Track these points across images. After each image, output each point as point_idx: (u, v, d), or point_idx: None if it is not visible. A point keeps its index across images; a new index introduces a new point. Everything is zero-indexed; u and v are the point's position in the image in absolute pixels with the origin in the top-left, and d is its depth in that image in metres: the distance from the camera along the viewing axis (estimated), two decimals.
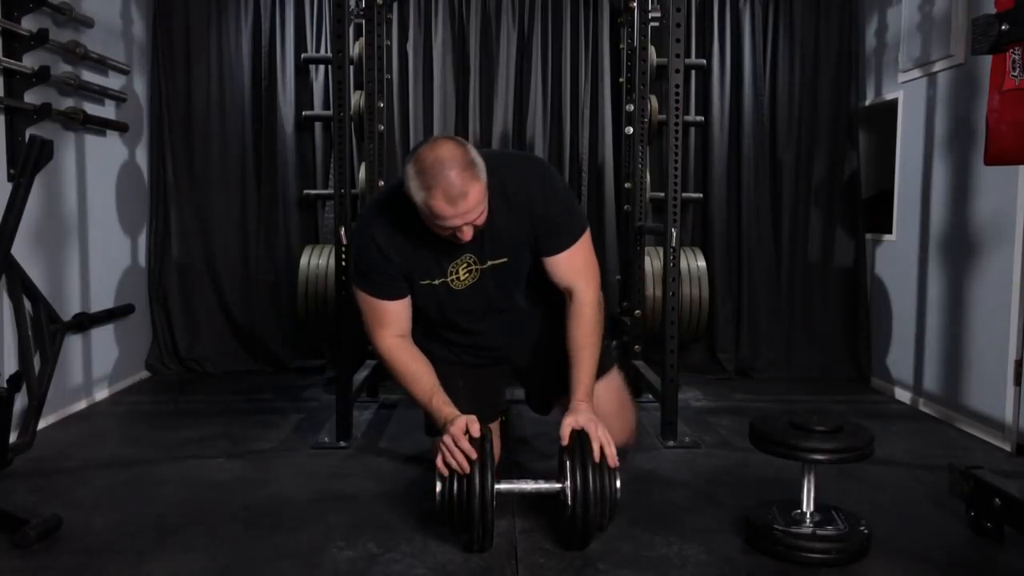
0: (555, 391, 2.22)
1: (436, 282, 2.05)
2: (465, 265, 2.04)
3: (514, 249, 2.05)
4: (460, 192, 1.78)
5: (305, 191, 3.98)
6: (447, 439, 1.87)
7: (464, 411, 2.04)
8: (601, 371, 2.16)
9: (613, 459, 1.86)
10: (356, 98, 3.52)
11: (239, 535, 2.02)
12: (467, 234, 1.86)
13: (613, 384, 2.22)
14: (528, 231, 2.03)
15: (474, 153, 1.84)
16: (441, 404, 1.98)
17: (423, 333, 2.18)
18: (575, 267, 2.07)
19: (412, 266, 2.03)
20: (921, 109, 3.37)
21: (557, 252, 2.05)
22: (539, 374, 2.29)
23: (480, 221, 1.87)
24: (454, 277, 2.05)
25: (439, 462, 1.87)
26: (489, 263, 2.04)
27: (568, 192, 2.17)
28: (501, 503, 1.97)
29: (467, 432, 1.88)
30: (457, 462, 1.83)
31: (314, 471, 2.53)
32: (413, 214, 1.90)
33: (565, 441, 1.90)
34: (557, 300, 2.13)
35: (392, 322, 2.07)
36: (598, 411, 1.97)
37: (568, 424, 1.92)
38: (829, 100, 3.96)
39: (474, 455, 1.83)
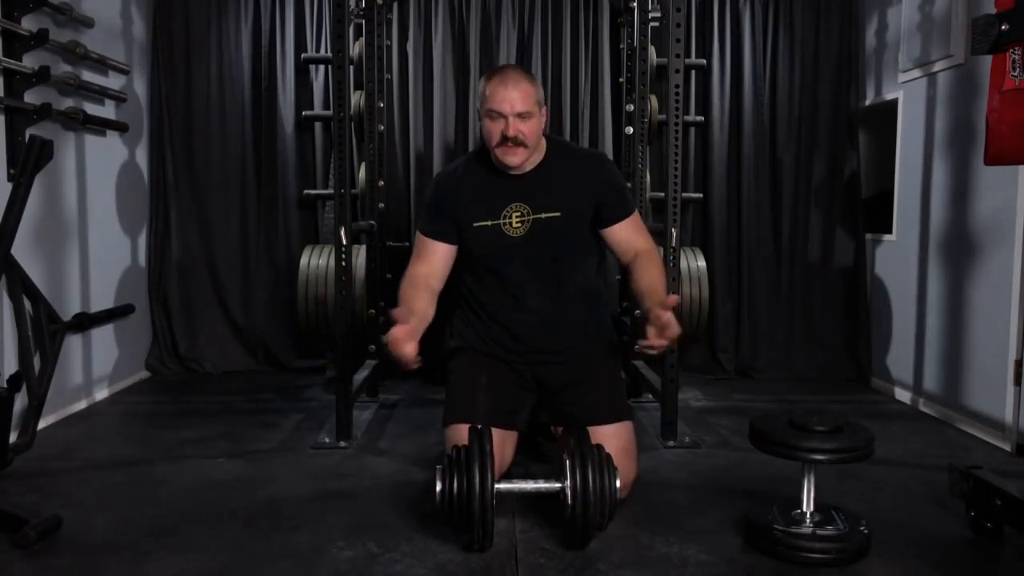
0: (570, 419, 2.23)
1: (489, 223, 2.23)
2: (518, 214, 2.22)
3: (567, 206, 2.22)
4: (514, 80, 2.11)
5: (305, 191, 3.98)
6: (390, 337, 1.95)
7: (481, 408, 2.18)
8: (616, 417, 2.21)
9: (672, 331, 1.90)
10: (356, 98, 3.52)
11: (239, 535, 2.02)
12: (511, 128, 2.09)
13: (624, 429, 2.23)
14: (589, 199, 2.23)
15: (536, 79, 2.22)
16: (406, 307, 2.08)
17: (468, 305, 2.35)
18: (639, 229, 2.29)
19: (467, 207, 2.24)
20: (921, 109, 3.37)
21: (621, 219, 2.26)
22: (567, 396, 2.29)
23: (526, 131, 2.11)
24: (507, 222, 2.22)
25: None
26: (542, 215, 2.21)
27: (623, 178, 2.49)
28: (501, 503, 1.98)
29: (481, 431, 1.92)
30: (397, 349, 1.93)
31: (314, 471, 2.53)
32: (477, 161, 2.28)
33: (665, 316, 1.90)
34: (604, 340, 2.36)
35: (426, 259, 2.27)
36: (607, 448, 1.96)
37: (656, 315, 1.93)
38: (829, 100, 3.96)
39: (409, 360, 1.93)
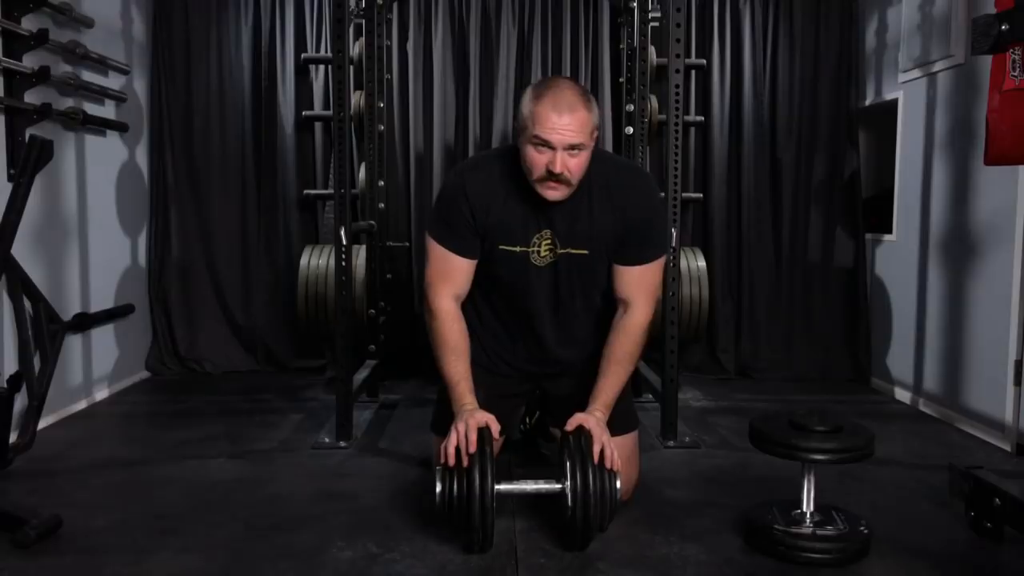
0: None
1: (517, 249, 2.02)
2: (548, 243, 2.02)
3: (597, 245, 2.03)
4: (569, 104, 1.82)
5: (305, 191, 3.98)
6: (460, 426, 1.85)
7: None
8: (624, 428, 2.15)
9: (611, 462, 1.86)
10: (356, 98, 3.52)
11: (239, 535, 2.02)
12: (559, 164, 1.83)
13: (630, 439, 2.19)
14: (617, 234, 2.03)
15: (592, 97, 1.90)
16: (466, 391, 1.97)
17: (476, 315, 2.18)
18: (643, 283, 2.07)
19: (496, 225, 2.01)
20: (921, 109, 3.37)
21: (635, 264, 2.05)
22: (566, 410, 2.18)
23: (573, 167, 1.86)
24: (535, 250, 2.03)
25: (443, 450, 1.85)
26: (569, 250, 2.03)
27: (665, 213, 2.18)
28: (501, 503, 1.97)
29: (481, 429, 1.88)
30: (460, 448, 1.82)
31: (314, 471, 2.53)
32: (509, 174, 1.97)
33: (570, 428, 1.91)
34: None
35: (454, 280, 2.04)
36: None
37: (577, 419, 1.92)
38: (829, 100, 3.96)
39: (472, 450, 1.83)
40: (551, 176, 1.87)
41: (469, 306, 2.18)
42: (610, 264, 2.08)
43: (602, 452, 1.87)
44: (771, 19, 3.97)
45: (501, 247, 2.04)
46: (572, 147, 1.85)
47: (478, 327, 2.21)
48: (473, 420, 1.87)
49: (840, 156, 3.98)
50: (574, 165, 1.88)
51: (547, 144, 1.84)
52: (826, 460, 1.82)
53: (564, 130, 1.82)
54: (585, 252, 2.04)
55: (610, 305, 2.16)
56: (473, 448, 1.82)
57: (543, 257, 2.05)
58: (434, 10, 3.91)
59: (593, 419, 1.93)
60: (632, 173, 2.14)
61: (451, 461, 1.83)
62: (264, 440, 2.88)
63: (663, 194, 2.79)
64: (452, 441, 1.85)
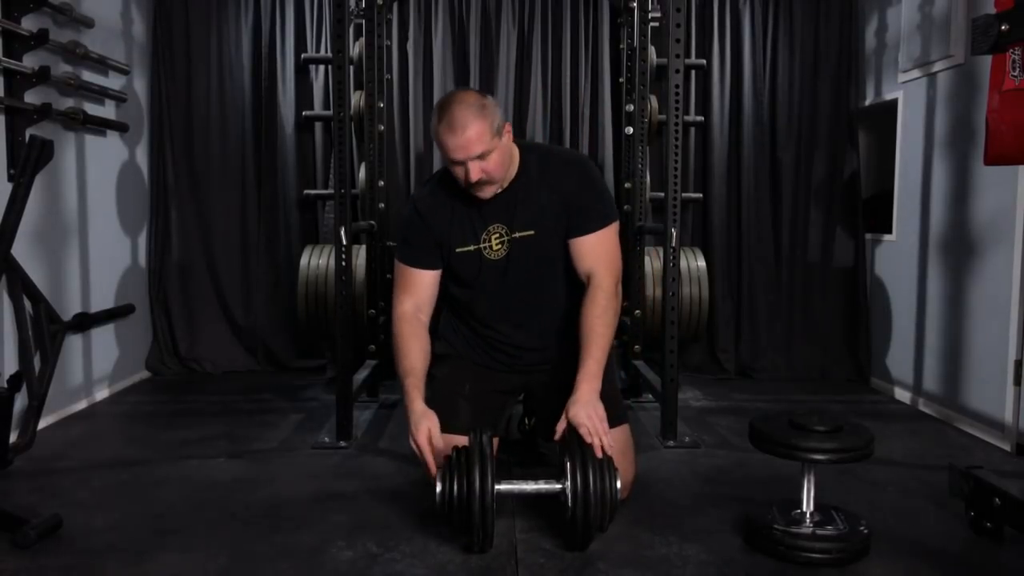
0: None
1: (471, 248, 2.17)
2: (497, 235, 2.16)
3: (543, 225, 2.15)
4: (460, 124, 1.96)
5: (305, 191, 3.98)
6: (413, 444, 1.97)
7: (462, 418, 2.13)
8: (615, 421, 2.15)
9: (603, 449, 1.87)
10: (356, 98, 3.52)
11: (239, 535, 2.02)
12: (474, 172, 2.00)
13: (621, 432, 2.20)
14: (556, 210, 2.15)
15: (488, 100, 2.04)
16: (411, 388, 2.05)
17: (455, 315, 2.30)
18: (597, 252, 2.15)
19: (449, 231, 2.16)
20: (921, 109, 3.37)
21: (584, 234, 2.14)
22: (555, 401, 2.24)
23: (488, 168, 2.01)
24: (487, 245, 2.17)
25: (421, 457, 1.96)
26: (517, 234, 2.15)
27: (603, 183, 2.32)
28: (501, 503, 1.98)
29: (481, 432, 1.92)
30: (427, 462, 1.94)
31: (314, 471, 2.53)
32: (451, 187, 2.13)
33: (562, 426, 1.95)
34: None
35: (413, 291, 2.18)
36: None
37: (563, 421, 1.95)
38: (829, 100, 3.96)
39: (433, 471, 1.90)
40: (471, 184, 2.04)
41: (448, 312, 2.33)
42: (563, 245, 2.17)
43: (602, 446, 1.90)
44: (771, 19, 3.97)
45: (457, 250, 2.18)
46: (479, 156, 1.99)
47: (458, 323, 2.32)
48: (421, 437, 1.96)
49: (840, 156, 3.98)
50: (489, 167, 2.02)
51: (456, 161, 2.01)
52: (826, 460, 1.82)
53: (463, 147, 1.98)
54: (531, 232, 2.15)
55: (577, 297, 2.18)
56: (430, 462, 1.93)
57: (496, 251, 2.17)
58: (434, 10, 3.91)
59: (583, 410, 1.92)
60: (564, 155, 2.33)
61: (431, 468, 1.93)
62: (264, 440, 2.88)
63: (662, 193, 2.81)
64: (420, 455, 1.96)
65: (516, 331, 2.25)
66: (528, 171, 2.16)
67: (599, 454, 1.86)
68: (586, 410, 1.92)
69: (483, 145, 1.98)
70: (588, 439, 1.88)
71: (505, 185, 2.13)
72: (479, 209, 2.15)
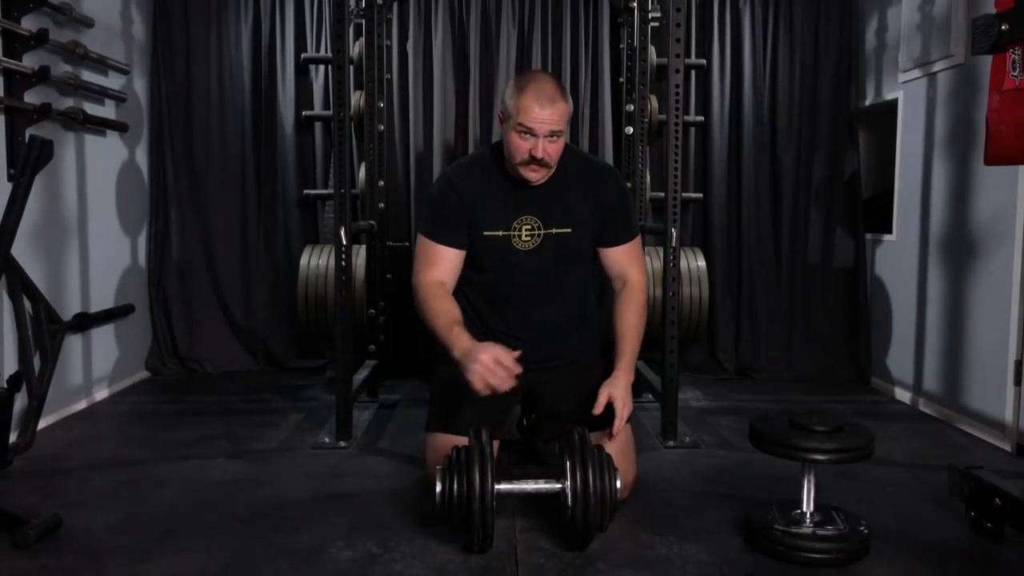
0: (564, 423, 2.19)
1: (499, 234, 2.17)
2: (528, 227, 2.17)
3: (578, 223, 2.19)
4: (550, 96, 2.00)
5: (305, 191, 3.98)
6: (485, 359, 1.86)
7: (465, 419, 2.12)
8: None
9: (602, 450, 1.91)
10: (356, 98, 3.52)
11: (239, 535, 2.02)
12: (542, 149, 2.02)
13: (623, 435, 2.19)
14: (594, 219, 2.21)
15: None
16: (460, 333, 2.01)
17: (465, 302, 2.26)
18: (634, 257, 2.27)
19: (481, 211, 2.16)
20: (921, 109, 3.37)
21: (620, 244, 2.25)
22: (557, 402, 2.27)
23: (553, 152, 2.05)
24: (516, 234, 2.17)
25: (474, 377, 1.87)
26: (553, 230, 2.18)
27: (633, 201, 2.42)
28: (501, 503, 1.97)
29: (480, 430, 1.92)
30: (498, 380, 1.86)
31: (314, 471, 2.53)
32: (489, 168, 2.17)
33: (601, 407, 2.01)
34: (603, 348, 2.29)
35: (439, 265, 2.17)
36: (606, 450, 1.95)
37: (605, 392, 2.03)
38: (829, 100, 3.96)
39: (515, 372, 1.87)
40: (533, 160, 2.05)
41: (460, 297, 2.26)
42: (590, 246, 2.25)
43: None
44: (771, 19, 3.97)
45: (485, 233, 2.17)
46: (552, 134, 2.03)
47: (466, 320, 2.26)
48: (489, 353, 1.88)
49: (840, 156, 3.98)
50: (553, 150, 2.06)
51: (531, 132, 2.02)
52: (826, 460, 1.82)
53: (547, 119, 2.00)
54: (568, 230, 2.19)
55: (587, 292, 2.32)
56: (505, 376, 1.86)
57: (525, 242, 2.19)
58: (434, 10, 3.91)
59: (619, 390, 2.04)
60: (602, 167, 2.34)
61: (485, 388, 1.87)
62: (264, 440, 2.88)
63: (663, 193, 2.83)
64: (483, 374, 1.86)
65: (526, 322, 2.25)
66: (566, 170, 2.18)
67: (615, 433, 1.99)
68: (625, 393, 2.05)
69: (562, 124, 2.03)
70: (621, 413, 2.01)
71: (545, 179, 2.15)
72: (516, 198, 2.16)
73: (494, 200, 2.16)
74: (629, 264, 2.25)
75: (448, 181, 2.21)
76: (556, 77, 3.89)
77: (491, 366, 1.86)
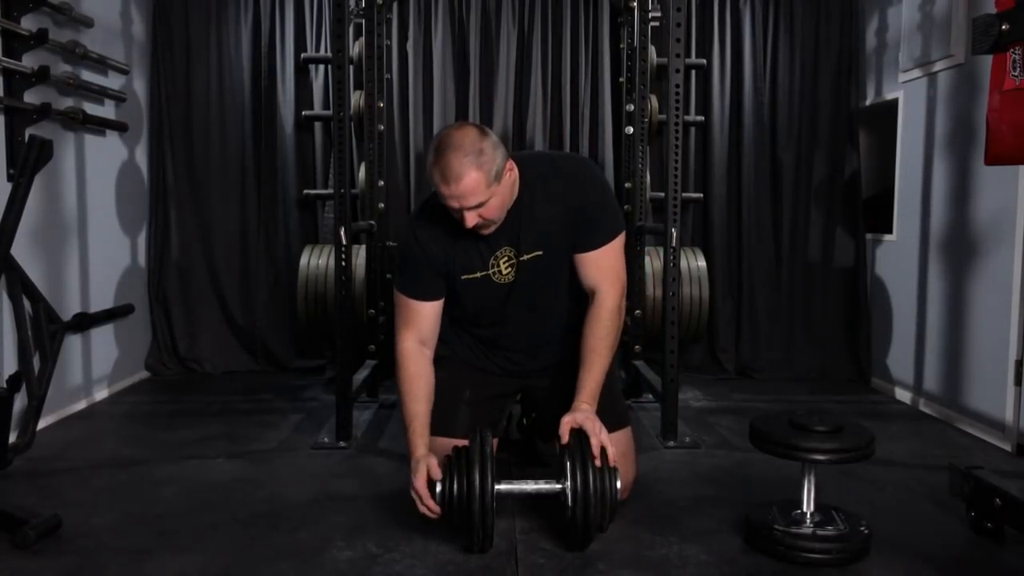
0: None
1: (479, 275, 2.08)
2: (505, 258, 2.08)
3: (550, 243, 2.07)
4: (455, 174, 1.84)
5: (305, 191, 3.98)
6: (413, 492, 1.91)
7: (461, 422, 2.13)
8: (616, 424, 2.15)
9: (612, 458, 1.87)
10: (356, 98, 3.52)
11: (239, 535, 2.02)
12: (469, 220, 1.90)
13: (623, 435, 2.21)
14: (563, 224, 2.06)
15: (487, 144, 1.87)
16: (415, 435, 2.00)
17: (454, 326, 2.23)
18: (602, 268, 2.08)
19: (453, 259, 2.07)
20: (921, 109, 3.37)
21: (590, 249, 2.07)
22: (555, 405, 2.23)
23: (487, 214, 1.92)
24: (495, 270, 2.09)
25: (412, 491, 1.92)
26: (525, 256, 2.07)
27: (607, 190, 2.19)
28: (501, 503, 1.97)
29: (481, 433, 1.91)
30: (421, 508, 1.90)
31: (314, 471, 2.53)
32: (452, 214, 1.96)
33: (564, 439, 1.91)
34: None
35: (417, 324, 2.09)
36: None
37: (567, 423, 1.92)
38: (829, 100, 3.96)
39: (435, 512, 1.88)
40: (474, 227, 1.94)
41: (449, 326, 2.22)
42: (570, 258, 2.11)
43: (603, 450, 1.88)
44: (771, 19, 3.97)
45: (463, 277, 2.09)
46: (475, 206, 1.89)
47: (460, 330, 2.26)
48: (419, 482, 1.90)
49: (840, 156, 3.97)
50: (488, 213, 1.92)
51: (456, 208, 1.90)
52: (826, 460, 1.82)
53: (457, 197, 1.87)
54: (539, 253, 2.08)
55: (580, 299, 2.16)
56: (431, 507, 1.88)
57: (505, 275, 2.10)
58: (434, 10, 3.91)
59: (582, 415, 1.92)
60: (566, 163, 2.18)
61: (430, 513, 1.90)
62: (264, 440, 2.88)
63: (663, 193, 2.80)
64: (418, 502, 1.91)
65: (519, 344, 2.23)
66: (531, 189, 2.05)
67: (609, 460, 1.86)
68: (582, 417, 1.92)
69: (479, 196, 1.87)
70: (593, 439, 1.89)
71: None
72: (486, 237, 2.05)
73: (464, 244, 2.05)
74: (600, 276, 2.08)
75: (413, 236, 2.08)
76: (555, 77, 3.96)
77: (419, 492, 1.89)
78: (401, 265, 2.13)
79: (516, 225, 2.04)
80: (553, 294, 2.16)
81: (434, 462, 1.91)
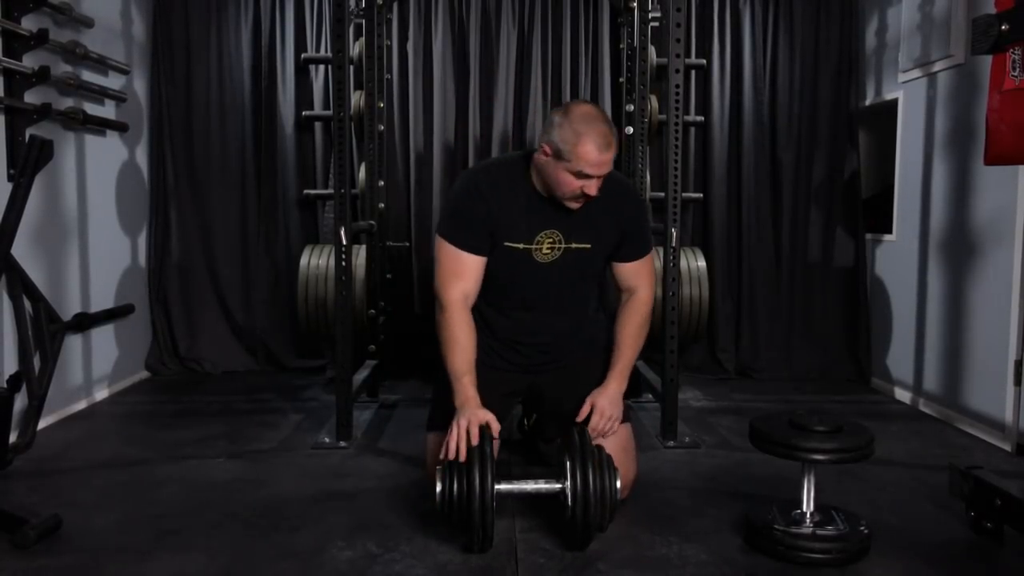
0: (567, 422, 2.19)
1: (520, 246, 2.14)
2: (550, 241, 2.15)
3: (598, 240, 2.19)
4: (608, 143, 1.98)
5: (305, 191, 3.98)
6: (463, 421, 1.93)
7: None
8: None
9: (601, 450, 1.92)
10: (356, 98, 3.52)
11: (239, 535, 2.02)
12: (595, 188, 2.01)
13: (623, 431, 2.23)
14: (614, 235, 2.21)
15: None
16: (468, 385, 2.05)
17: (476, 310, 2.25)
18: (641, 273, 2.29)
19: (504, 221, 2.12)
20: (921, 109, 3.37)
21: (634, 259, 2.26)
22: (559, 403, 2.28)
23: (600, 186, 2.03)
24: (537, 248, 2.15)
25: (445, 444, 1.92)
26: (573, 244, 2.17)
27: (648, 210, 2.41)
28: (501, 503, 1.98)
29: (481, 427, 1.93)
30: (458, 446, 1.89)
31: (314, 471, 2.53)
32: (517, 177, 2.13)
33: (584, 415, 2.10)
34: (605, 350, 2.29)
35: (464, 276, 2.13)
36: (606, 449, 1.97)
37: (589, 401, 2.12)
38: (829, 100, 3.96)
39: (475, 443, 1.89)
40: (584, 195, 2.03)
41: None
42: (605, 260, 2.27)
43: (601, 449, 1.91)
44: (771, 19, 3.97)
45: (505, 243, 2.14)
46: (604, 174, 2.04)
47: (477, 322, 2.26)
48: (476, 417, 1.94)
49: (840, 156, 3.97)
50: (601, 185, 2.06)
51: (589, 176, 2.00)
52: (826, 460, 1.82)
53: (605, 163, 2.00)
54: (588, 246, 2.18)
55: (591, 294, 2.37)
56: (476, 442, 1.89)
57: (545, 255, 2.16)
58: (434, 10, 3.91)
59: (606, 399, 2.13)
60: (620, 182, 2.31)
61: (451, 455, 1.88)
62: (264, 440, 2.88)
63: (663, 193, 2.83)
64: (453, 436, 1.91)
65: (534, 330, 2.26)
66: None
67: (596, 440, 1.97)
68: (610, 402, 2.13)
69: (611, 167, 2.04)
70: (598, 425, 2.06)
71: None
72: (542, 212, 2.12)
73: (519, 212, 2.12)
74: (639, 279, 2.27)
75: (476, 186, 2.14)
76: (555, 77, 3.95)
77: (463, 434, 1.90)
78: (455, 214, 2.15)
79: (573, 213, 2.12)
80: (579, 287, 2.28)
81: (492, 418, 1.97)
